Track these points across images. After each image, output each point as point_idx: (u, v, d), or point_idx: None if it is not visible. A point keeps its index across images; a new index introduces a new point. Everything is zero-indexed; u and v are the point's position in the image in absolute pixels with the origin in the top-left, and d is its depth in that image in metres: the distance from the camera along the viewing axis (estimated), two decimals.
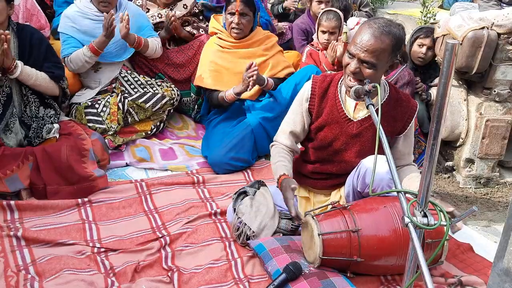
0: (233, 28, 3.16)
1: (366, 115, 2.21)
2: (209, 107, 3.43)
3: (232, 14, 3.13)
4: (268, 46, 3.31)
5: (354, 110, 2.23)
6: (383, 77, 2.26)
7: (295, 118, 2.30)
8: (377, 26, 2.04)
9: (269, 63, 3.26)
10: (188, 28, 3.60)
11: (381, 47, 2.01)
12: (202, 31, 3.62)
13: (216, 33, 3.31)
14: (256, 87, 3.17)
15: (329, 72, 3.31)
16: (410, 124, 2.27)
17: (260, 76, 3.05)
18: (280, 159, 2.24)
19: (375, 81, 2.05)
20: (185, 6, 3.56)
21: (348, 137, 2.25)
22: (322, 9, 3.66)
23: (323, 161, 2.34)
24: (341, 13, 3.45)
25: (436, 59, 3.46)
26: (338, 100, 2.23)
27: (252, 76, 2.89)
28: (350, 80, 2.09)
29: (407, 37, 3.49)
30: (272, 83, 3.17)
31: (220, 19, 3.36)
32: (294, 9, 4.33)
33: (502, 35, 2.98)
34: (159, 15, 3.51)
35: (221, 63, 3.13)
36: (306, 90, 2.29)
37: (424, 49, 3.43)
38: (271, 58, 3.29)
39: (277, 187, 2.16)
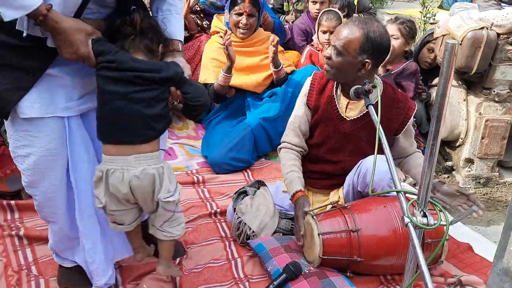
0: (239, 27, 3.18)
1: (358, 116, 2.22)
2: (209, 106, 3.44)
3: (240, 14, 3.15)
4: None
5: (346, 109, 2.24)
6: (378, 77, 2.26)
7: (300, 114, 2.32)
8: (356, 19, 2.12)
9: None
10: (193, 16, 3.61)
11: (349, 37, 2.06)
12: (205, 24, 3.64)
13: (218, 32, 3.32)
14: (263, 75, 3.19)
15: None
16: (407, 125, 2.26)
17: (277, 59, 3.09)
18: (293, 168, 2.24)
19: (345, 75, 2.13)
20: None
21: (341, 135, 2.26)
22: (317, 9, 3.71)
23: (319, 160, 2.35)
24: (341, 13, 3.46)
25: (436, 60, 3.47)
26: (333, 98, 2.25)
27: (273, 44, 2.97)
28: (324, 65, 2.18)
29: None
30: (284, 71, 3.20)
31: (222, 18, 3.36)
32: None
33: (501, 35, 2.98)
34: None
35: (223, 60, 3.14)
36: (306, 85, 2.33)
37: (433, 55, 3.44)
38: None
39: (290, 199, 2.19)
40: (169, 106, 1.69)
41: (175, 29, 1.75)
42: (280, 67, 3.15)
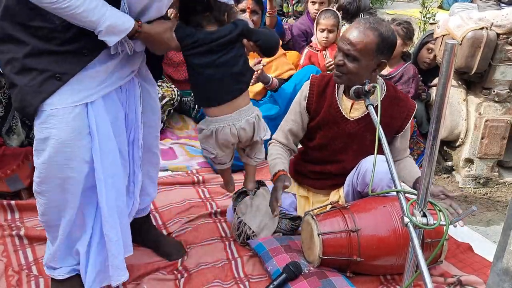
0: None
1: (362, 115, 2.23)
2: None
3: (243, 11, 3.18)
4: None
5: (350, 110, 2.24)
6: (380, 77, 2.27)
7: (293, 117, 2.32)
8: (365, 22, 2.08)
9: (272, 65, 3.29)
10: None
11: (364, 42, 2.03)
12: None
13: None
14: (260, 86, 3.18)
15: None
16: (408, 124, 2.28)
17: (265, 75, 3.09)
18: (278, 156, 2.27)
19: (360, 78, 2.05)
20: None
21: (346, 136, 2.25)
22: (317, 9, 3.74)
23: (322, 161, 2.35)
24: (338, 13, 3.48)
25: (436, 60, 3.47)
26: (335, 99, 2.24)
27: (257, 71, 2.91)
28: (335, 71, 2.14)
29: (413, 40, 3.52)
30: (276, 82, 3.20)
31: None
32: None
33: (501, 35, 2.99)
34: None
35: None
36: (304, 89, 2.31)
37: (432, 55, 3.44)
38: (275, 60, 3.31)
39: (271, 179, 2.19)
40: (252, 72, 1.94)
41: None
42: (270, 81, 3.16)
